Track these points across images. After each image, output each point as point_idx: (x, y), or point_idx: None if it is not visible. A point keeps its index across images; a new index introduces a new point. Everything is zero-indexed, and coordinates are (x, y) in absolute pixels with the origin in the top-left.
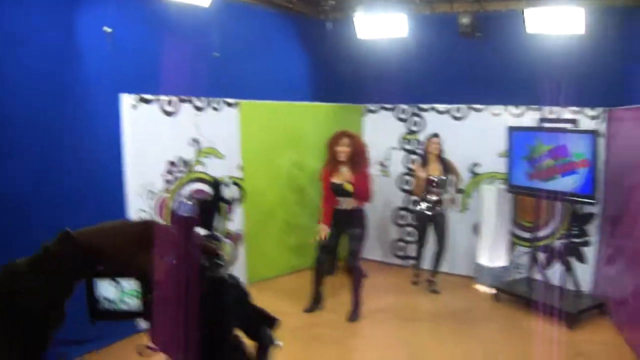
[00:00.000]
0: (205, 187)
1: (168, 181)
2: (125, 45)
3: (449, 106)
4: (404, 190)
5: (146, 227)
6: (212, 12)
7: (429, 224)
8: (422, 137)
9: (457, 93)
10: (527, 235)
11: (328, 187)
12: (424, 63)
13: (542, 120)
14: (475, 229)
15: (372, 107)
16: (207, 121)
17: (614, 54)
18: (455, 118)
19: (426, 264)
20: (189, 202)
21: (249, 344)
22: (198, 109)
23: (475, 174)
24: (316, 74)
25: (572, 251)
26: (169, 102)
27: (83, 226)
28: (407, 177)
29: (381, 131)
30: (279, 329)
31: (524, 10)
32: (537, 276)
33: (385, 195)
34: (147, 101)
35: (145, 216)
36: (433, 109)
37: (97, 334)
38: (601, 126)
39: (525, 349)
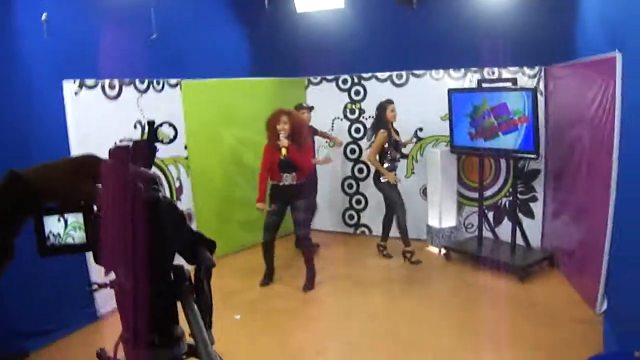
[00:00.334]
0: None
1: None
2: (64, 31)
3: (389, 73)
4: (350, 160)
5: (85, 159)
6: None
7: (396, 190)
8: (365, 105)
9: (397, 60)
10: (474, 194)
11: (266, 165)
12: (362, 33)
13: (481, 81)
14: (423, 192)
15: (313, 79)
16: (150, 103)
17: (549, 12)
18: (397, 85)
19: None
20: (124, 142)
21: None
22: (140, 91)
23: (419, 138)
24: (257, 49)
25: (520, 207)
26: (111, 86)
27: None
28: (354, 147)
29: (324, 102)
30: (239, 303)
31: None
32: (487, 234)
33: (333, 165)
34: (89, 86)
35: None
36: (374, 77)
37: (51, 327)
38: (540, 84)
39: (479, 303)
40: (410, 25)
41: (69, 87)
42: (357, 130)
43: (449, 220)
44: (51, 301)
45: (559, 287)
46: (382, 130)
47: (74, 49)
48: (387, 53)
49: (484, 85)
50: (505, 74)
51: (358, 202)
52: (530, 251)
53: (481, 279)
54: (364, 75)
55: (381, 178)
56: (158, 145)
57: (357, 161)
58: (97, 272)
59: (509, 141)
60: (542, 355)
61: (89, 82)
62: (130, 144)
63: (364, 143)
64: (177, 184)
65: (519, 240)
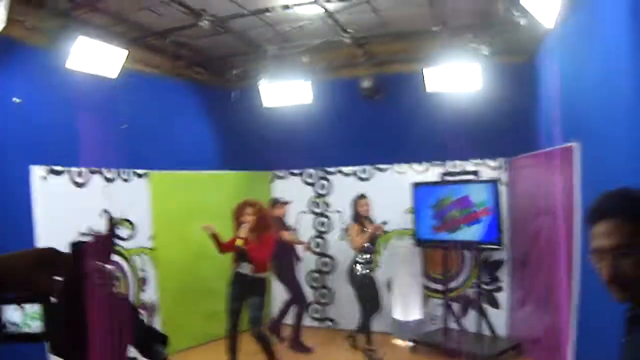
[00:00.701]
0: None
1: None
2: (35, 116)
3: (354, 168)
4: (317, 253)
5: (45, 252)
6: (120, 83)
7: (373, 286)
8: (330, 199)
9: (362, 154)
10: (439, 286)
11: (227, 245)
12: (329, 127)
13: (445, 174)
14: (388, 285)
15: (280, 173)
16: (118, 192)
17: (510, 105)
18: (361, 179)
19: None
20: (86, 237)
21: None
22: (108, 180)
23: (384, 232)
24: (224, 142)
25: (485, 298)
26: (79, 174)
27: None
28: (318, 240)
29: (290, 196)
30: None
31: (423, 70)
32: (453, 325)
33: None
34: (57, 172)
35: None
36: (339, 171)
37: None
38: (503, 175)
39: None
40: (375, 120)
41: (37, 172)
42: (322, 224)
43: (415, 313)
44: None
45: None
46: (352, 224)
47: (43, 135)
48: (352, 147)
49: (447, 178)
50: (468, 166)
51: (323, 295)
52: (496, 340)
53: None
54: (330, 169)
55: (356, 271)
56: (118, 240)
57: (322, 255)
58: None
59: (472, 233)
60: None
61: (57, 168)
62: (89, 238)
63: (328, 236)
64: (141, 275)
65: (486, 330)
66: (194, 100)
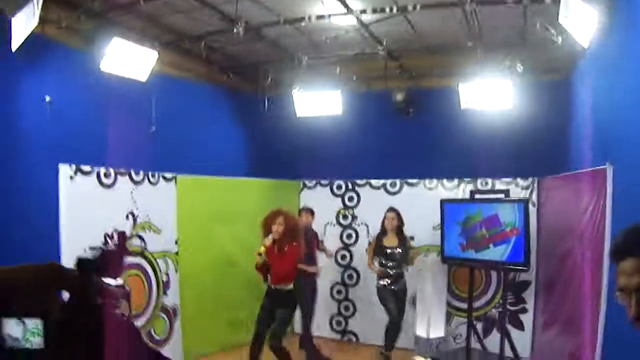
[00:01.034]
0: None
1: None
2: (66, 115)
3: (383, 181)
4: (342, 266)
5: (50, 269)
6: (151, 85)
7: (390, 298)
8: (358, 212)
9: (391, 168)
10: (463, 305)
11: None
12: (360, 139)
13: (474, 192)
14: (413, 301)
15: (308, 182)
16: (144, 195)
17: (543, 124)
18: (390, 193)
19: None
20: (95, 250)
21: None
22: (135, 182)
23: (411, 247)
24: (254, 149)
25: (510, 319)
26: (107, 175)
27: None
28: (344, 252)
29: (318, 207)
30: None
31: (459, 85)
32: (476, 345)
33: (323, 270)
34: (85, 172)
35: None
36: (368, 184)
37: None
38: (532, 195)
39: None
40: (406, 134)
41: (65, 170)
42: (349, 236)
43: (438, 331)
44: None
45: None
46: (373, 237)
47: (73, 134)
48: (382, 160)
49: (477, 196)
50: (499, 184)
51: (346, 308)
52: None
53: None
54: (358, 181)
55: (376, 282)
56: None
57: (347, 267)
58: None
59: (499, 253)
60: None
61: (85, 168)
62: (98, 253)
63: (354, 249)
64: (165, 279)
65: (508, 352)
66: (225, 106)
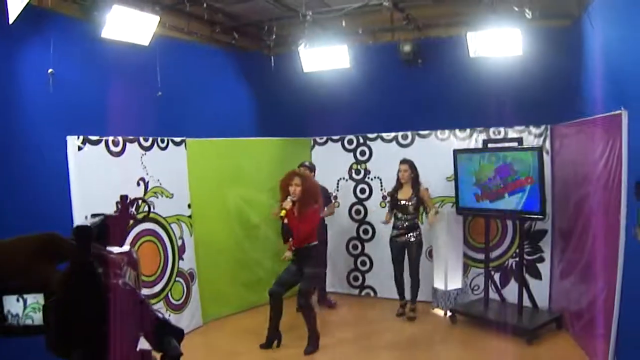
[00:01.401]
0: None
1: None
2: (69, 87)
3: (395, 134)
4: (356, 221)
5: (48, 240)
6: (154, 50)
7: (401, 251)
8: (371, 165)
9: (402, 120)
10: (480, 256)
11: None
12: (369, 92)
13: (487, 141)
14: (429, 254)
15: (319, 139)
16: (154, 160)
17: (554, 71)
18: (402, 145)
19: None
20: (96, 217)
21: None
22: (144, 148)
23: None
24: (262, 109)
25: (527, 268)
26: (115, 143)
27: None
28: (359, 207)
29: (330, 163)
30: None
31: (467, 35)
32: (494, 296)
33: (338, 225)
34: (93, 142)
35: None
36: (379, 137)
37: None
38: (546, 143)
39: None
40: (416, 85)
41: (73, 142)
42: (363, 191)
43: (455, 282)
44: None
45: (568, 349)
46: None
47: (78, 105)
48: (393, 113)
49: (490, 145)
50: (511, 133)
51: (363, 263)
52: (537, 313)
53: (488, 341)
54: (370, 135)
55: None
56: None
57: (362, 222)
58: None
59: (515, 202)
60: None
61: (93, 137)
62: (95, 221)
63: (369, 203)
64: (180, 243)
65: (526, 302)
66: (230, 66)
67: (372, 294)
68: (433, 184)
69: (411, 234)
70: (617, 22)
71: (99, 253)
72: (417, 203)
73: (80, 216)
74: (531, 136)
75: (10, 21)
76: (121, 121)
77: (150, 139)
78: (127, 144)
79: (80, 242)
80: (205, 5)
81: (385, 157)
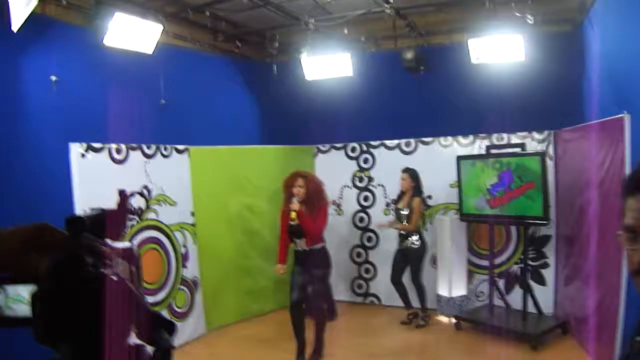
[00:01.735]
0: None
1: None
2: (73, 94)
3: (398, 141)
4: (360, 228)
5: (39, 230)
6: (157, 58)
7: (401, 257)
8: (374, 173)
9: (405, 127)
10: (484, 262)
11: (283, 228)
12: (372, 100)
13: (490, 147)
14: (433, 261)
15: (322, 147)
16: (157, 168)
17: (557, 76)
18: (405, 152)
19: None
20: (94, 210)
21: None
22: (148, 156)
23: (428, 206)
24: (265, 117)
25: (531, 274)
26: (118, 150)
27: None
28: (362, 215)
29: (333, 170)
30: None
31: (468, 41)
32: (498, 302)
33: (341, 233)
34: (95, 149)
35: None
36: (382, 144)
37: None
38: (549, 148)
39: None
40: (418, 92)
41: (76, 149)
42: (366, 199)
43: (459, 289)
44: None
45: (573, 355)
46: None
47: (82, 112)
48: (396, 120)
49: (493, 151)
50: (514, 139)
51: (367, 270)
52: (542, 319)
53: (493, 348)
54: (373, 143)
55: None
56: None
57: (365, 229)
58: None
59: (518, 207)
60: None
61: (96, 145)
62: (91, 214)
63: (372, 211)
64: (183, 251)
65: (531, 308)
66: (234, 74)
67: (376, 301)
68: (437, 191)
69: (410, 240)
70: (618, 27)
71: (90, 243)
72: (411, 213)
73: None
74: (534, 142)
75: (15, 29)
76: (124, 129)
77: (154, 147)
78: (130, 151)
79: (71, 232)
80: (208, 13)
81: (389, 164)
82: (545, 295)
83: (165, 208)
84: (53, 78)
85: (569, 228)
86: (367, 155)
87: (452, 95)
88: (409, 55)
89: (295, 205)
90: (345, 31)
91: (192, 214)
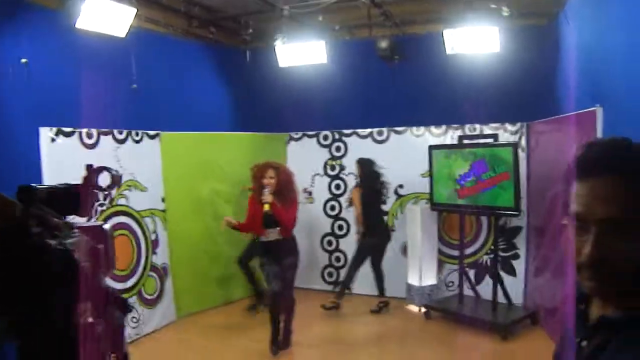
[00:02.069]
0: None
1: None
2: (43, 77)
3: (370, 130)
4: (331, 217)
5: None
6: (130, 42)
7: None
8: (346, 161)
9: (378, 116)
10: (455, 252)
11: (250, 216)
12: (345, 88)
13: (462, 137)
14: (404, 250)
15: (295, 134)
16: (128, 153)
17: (530, 68)
18: (377, 141)
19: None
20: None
21: None
22: (119, 141)
23: (399, 195)
24: (238, 103)
25: (502, 265)
26: (89, 135)
27: None
28: (333, 203)
29: (305, 158)
30: None
31: (443, 32)
32: (468, 292)
33: (312, 221)
34: (66, 134)
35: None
36: (355, 133)
37: None
38: (521, 140)
39: None
40: (392, 81)
41: (46, 133)
42: (338, 187)
43: (429, 279)
44: None
45: (542, 345)
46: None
47: (52, 96)
48: (369, 109)
49: (465, 141)
50: (487, 130)
51: (337, 259)
52: (512, 309)
53: (463, 338)
54: (345, 131)
55: None
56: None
57: (337, 218)
58: None
59: (490, 198)
60: None
61: (66, 129)
62: (48, 186)
63: (343, 200)
64: (153, 237)
65: (501, 298)
66: (207, 60)
67: (346, 290)
68: (408, 180)
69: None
70: (593, 20)
71: (40, 214)
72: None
73: None
74: (507, 133)
75: None
76: (95, 113)
77: (125, 132)
78: (101, 136)
79: (22, 202)
80: None
81: (361, 153)
82: (515, 286)
83: (136, 194)
84: (23, 60)
85: (540, 219)
86: (340, 144)
87: (426, 85)
88: (384, 44)
89: (268, 197)
90: (320, 18)
91: (163, 199)
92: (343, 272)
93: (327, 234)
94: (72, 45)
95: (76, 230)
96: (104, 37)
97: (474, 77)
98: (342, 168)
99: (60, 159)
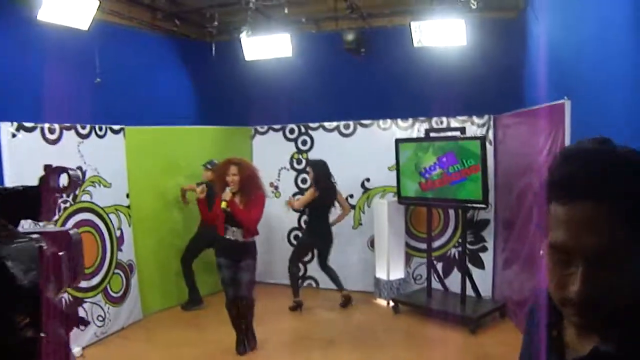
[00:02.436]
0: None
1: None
2: (3, 71)
3: (337, 123)
4: (296, 211)
5: None
6: (93, 35)
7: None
8: (312, 155)
9: (345, 110)
10: (422, 245)
11: (215, 214)
12: (311, 81)
13: (429, 130)
14: (371, 244)
15: (260, 128)
16: (91, 149)
17: (498, 61)
18: (344, 135)
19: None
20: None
21: None
22: (82, 136)
23: (366, 189)
24: (204, 97)
25: (470, 258)
26: (51, 130)
27: None
28: (300, 197)
29: (271, 152)
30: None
31: (410, 24)
32: (437, 285)
33: (279, 216)
34: (27, 129)
35: None
36: (321, 126)
37: None
38: (489, 133)
39: (430, 356)
40: (359, 74)
41: (7, 129)
42: (304, 181)
43: (397, 272)
44: None
45: (511, 337)
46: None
47: (13, 90)
48: (335, 102)
49: (432, 134)
50: (454, 123)
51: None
52: (480, 302)
53: (431, 331)
54: (312, 124)
55: None
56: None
57: (303, 212)
58: None
59: (457, 191)
60: None
61: (28, 124)
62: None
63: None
64: (118, 234)
65: (469, 291)
66: (171, 53)
67: (314, 284)
68: (375, 174)
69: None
70: (560, 14)
71: None
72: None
73: None
74: (474, 126)
75: None
76: (58, 108)
77: (88, 127)
78: (64, 131)
79: None
80: None
81: (327, 146)
82: (483, 279)
83: (100, 190)
84: None
85: (507, 212)
86: (306, 137)
87: (393, 79)
88: (350, 37)
89: (227, 194)
90: (286, 11)
91: (127, 195)
92: (310, 267)
93: (293, 229)
94: (34, 37)
95: (21, 235)
96: (66, 30)
97: (441, 70)
98: (308, 162)
99: (22, 155)
